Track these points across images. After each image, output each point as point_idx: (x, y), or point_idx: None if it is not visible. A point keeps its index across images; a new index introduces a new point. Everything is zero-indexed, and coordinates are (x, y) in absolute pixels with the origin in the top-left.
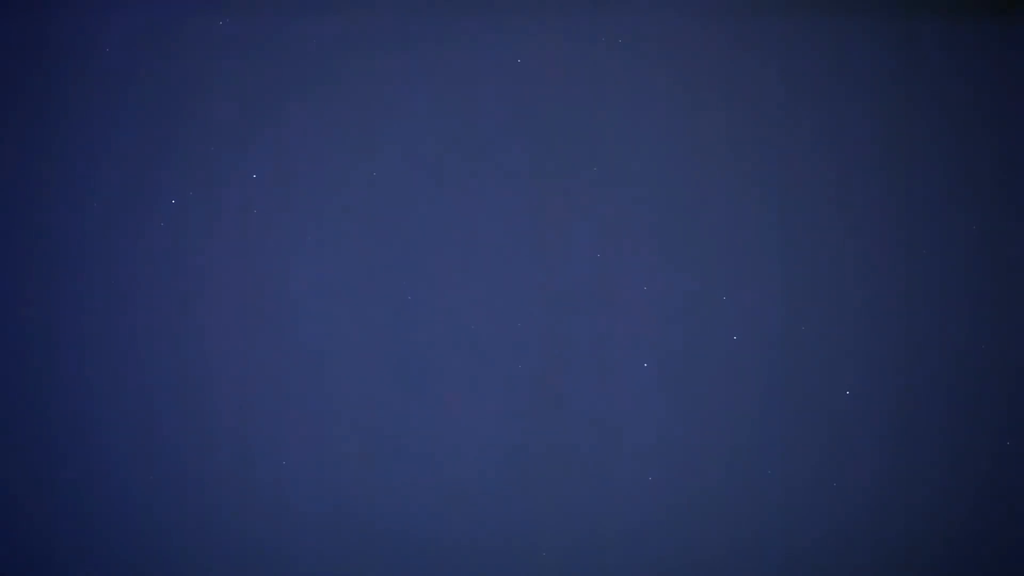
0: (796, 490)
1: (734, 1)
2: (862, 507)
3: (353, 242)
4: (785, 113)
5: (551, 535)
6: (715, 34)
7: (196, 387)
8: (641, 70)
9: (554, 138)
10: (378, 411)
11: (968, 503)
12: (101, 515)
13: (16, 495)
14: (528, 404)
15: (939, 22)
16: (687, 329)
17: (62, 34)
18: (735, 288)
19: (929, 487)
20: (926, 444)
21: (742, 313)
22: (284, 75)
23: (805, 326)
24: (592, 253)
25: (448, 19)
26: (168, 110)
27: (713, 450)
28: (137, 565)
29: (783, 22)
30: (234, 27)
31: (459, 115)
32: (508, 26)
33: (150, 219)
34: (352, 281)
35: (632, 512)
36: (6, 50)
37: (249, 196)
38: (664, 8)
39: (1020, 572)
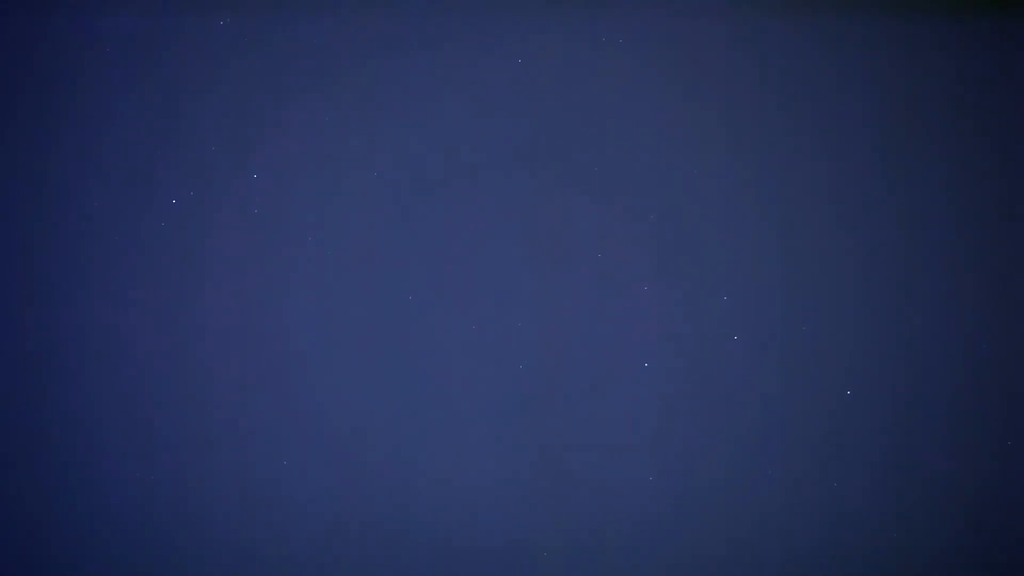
0: (796, 490)
1: (734, 1)
2: (862, 507)
3: (353, 242)
4: (785, 113)
5: (552, 535)
6: (715, 34)
7: (196, 387)
8: (641, 70)
9: (554, 138)
10: (378, 411)
11: (968, 503)
12: (101, 515)
13: (16, 495)
14: (528, 404)
15: (939, 22)
16: (687, 329)
17: (62, 34)
18: (735, 288)
19: (929, 487)
20: (926, 444)
21: (742, 313)
22: (284, 75)
23: (805, 326)
24: (592, 253)
25: (448, 19)
26: (168, 110)
27: (713, 450)
28: (137, 565)
29: (783, 22)
30: (234, 27)
31: (459, 114)
32: (508, 26)
33: (150, 219)
34: (352, 281)
35: (632, 512)
36: (6, 50)
37: (249, 196)
38: (664, 8)
39: (1020, 572)
